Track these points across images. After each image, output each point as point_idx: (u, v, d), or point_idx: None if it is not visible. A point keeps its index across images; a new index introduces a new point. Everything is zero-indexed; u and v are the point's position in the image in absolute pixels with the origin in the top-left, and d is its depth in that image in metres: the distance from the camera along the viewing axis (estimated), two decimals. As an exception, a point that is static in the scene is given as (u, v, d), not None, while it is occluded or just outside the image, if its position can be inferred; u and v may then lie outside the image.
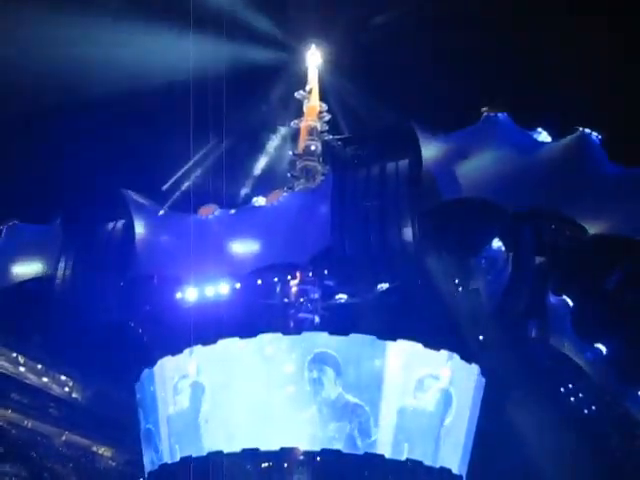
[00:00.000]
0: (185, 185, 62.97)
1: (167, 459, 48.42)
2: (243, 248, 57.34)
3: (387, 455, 45.09)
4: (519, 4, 75.35)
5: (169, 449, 48.15)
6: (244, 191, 66.51)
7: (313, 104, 64.78)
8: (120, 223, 59.66)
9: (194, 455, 46.16)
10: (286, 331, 49.58)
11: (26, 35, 62.65)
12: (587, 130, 59.56)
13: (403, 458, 45.39)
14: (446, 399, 47.00)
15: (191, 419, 47.10)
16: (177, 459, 47.39)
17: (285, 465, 47.42)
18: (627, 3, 71.91)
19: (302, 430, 45.18)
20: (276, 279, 56.31)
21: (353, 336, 45.68)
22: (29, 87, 68.14)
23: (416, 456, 45.73)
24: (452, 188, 53.30)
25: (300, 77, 66.61)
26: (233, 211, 61.98)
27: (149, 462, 50.52)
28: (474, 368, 48.23)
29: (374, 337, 45.67)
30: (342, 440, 44.89)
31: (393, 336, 46.21)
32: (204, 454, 45.82)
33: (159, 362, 48.89)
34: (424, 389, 46.19)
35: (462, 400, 47.71)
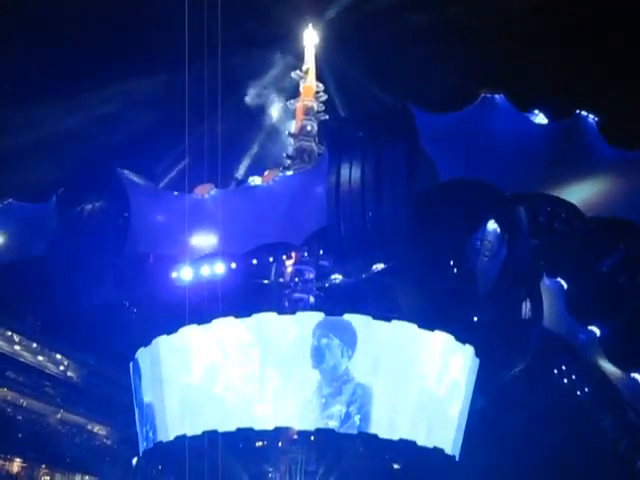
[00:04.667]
0: (181, 164, 62.81)
1: (162, 437, 48.66)
2: (239, 228, 57.22)
3: (381, 435, 45.35)
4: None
5: (164, 427, 48.36)
6: (240, 170, 66.41)
7: (309, 84, 64.43)
8: (115, 202, 59.47)
9: (190, 433, 46.35)
10: (281, 311, 49.69)
11: None
12: (584, 113, 59.44)
13: (397, 438, 45.66)
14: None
15: (188, 397, 47.32)
16: (172, 437, 47.65)
17: (279, 444, 47.71)
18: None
19: (297, 409, 45.36)
20: (271, 259, 56.28)
21: (348, 316, 45.78)
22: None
23: (410, 436, 45.99)
24: (449, 169, 53.18)
25: (297, 56, 66.28)
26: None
27: (143, 440, 50.76)
28: (468, 349, 48.40)
29: (369, 317, 45.78)
30: (338, 419, 45.09)
31: (388, 316, 46.32)
32: (199, 433, 46.04)
33: (154, 341, 48.99)
34: (425, 372, 46.40)
35: (456, 381, 47.95)
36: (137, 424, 51.44)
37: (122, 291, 58.00)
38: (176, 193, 60.61)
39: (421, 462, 47.25)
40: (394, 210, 52.50)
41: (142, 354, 49.99)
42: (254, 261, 56.38)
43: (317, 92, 64.14)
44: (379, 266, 54.86)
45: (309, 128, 62.93)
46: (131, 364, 51.18)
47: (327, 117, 63.42)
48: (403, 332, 46.38)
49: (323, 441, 46.22)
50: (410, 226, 52.14)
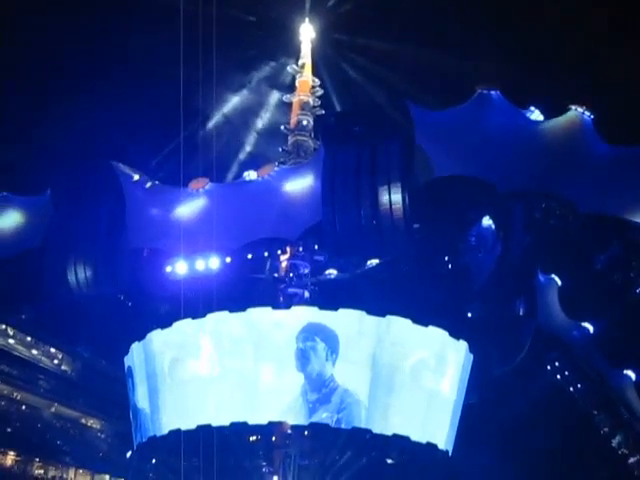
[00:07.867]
0: (176, 158, 62.66)
1: (156, 432, 48.65)
2: (234, 222, 57.21)
3: (374, 430, 45.44)
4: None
5: (159, 421, 48.37)
6: (235, 165, 66.38)
7: (305, 79, 64.42)
8: (110, 196, 59.38)
9: (184, 427, 46.35)
10: (276, 305, 49.72)
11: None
12: (579, 109, 59.45)
13: (390, 433, 45.77)
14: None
15: (183, 391, 47.34)
16: (166, 432, 47.65)
17: (273, 439, 47.74)
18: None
19: (289, 404, 45.40)
20: (266, 254, 56.30)
21: (342, 311, 45.82)
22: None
23: (403, 431, 46.10)
24: (444, 165, 53.24)
25: (293, 51, 66.29)
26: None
27: (138, 434, 50.78)
28: (462, 345, 48.50)
29: (363, 312, 45.82)
30: (329, 417, 45.15)
31: (382, 312, 46.37)
32: (193, 427, 46.05)
33: (148, 335, 48.98)
34: (419, 368, 46.47)
35: (450, 376, 48.05)
36: (131, 418, 51.46)
37: (117, 285, 57.97)
38: (171, 187, 60.51)
39: (414, 457, 47.34)
40: (389, 205, 52.50)
41: (136, 348, 49.98)
42: (249, 256, 56.40)
43: (313, 87, 64.16)
44: (374, 261, 54.93)
45: (305, 123, 62.95)
46: (125, 358, 51.17)
47: (323, 112, 63.39)
48: (397, 327, 46.43)
49: (316, 436, 46.27)
50: (405, 222, 52.17)
